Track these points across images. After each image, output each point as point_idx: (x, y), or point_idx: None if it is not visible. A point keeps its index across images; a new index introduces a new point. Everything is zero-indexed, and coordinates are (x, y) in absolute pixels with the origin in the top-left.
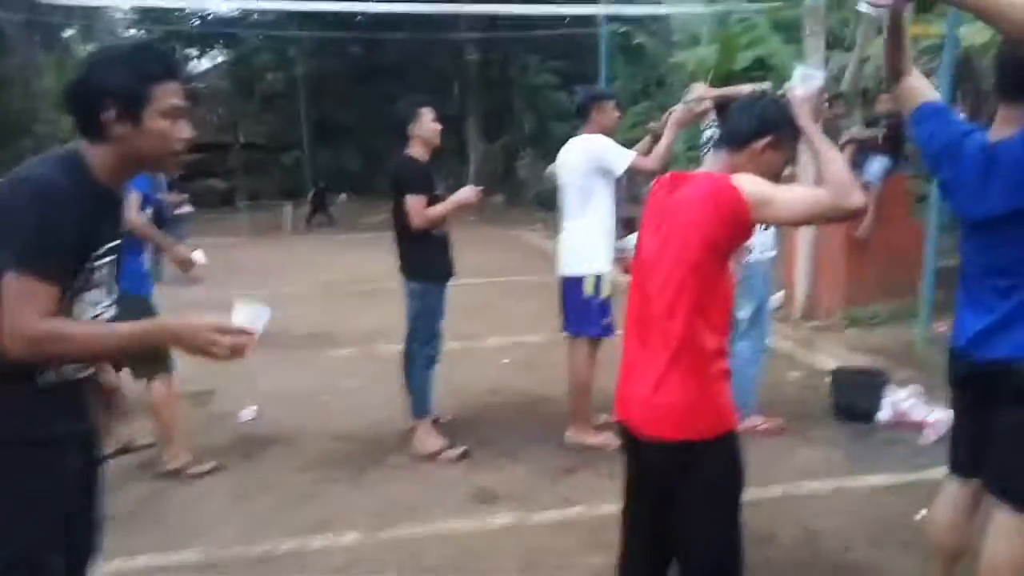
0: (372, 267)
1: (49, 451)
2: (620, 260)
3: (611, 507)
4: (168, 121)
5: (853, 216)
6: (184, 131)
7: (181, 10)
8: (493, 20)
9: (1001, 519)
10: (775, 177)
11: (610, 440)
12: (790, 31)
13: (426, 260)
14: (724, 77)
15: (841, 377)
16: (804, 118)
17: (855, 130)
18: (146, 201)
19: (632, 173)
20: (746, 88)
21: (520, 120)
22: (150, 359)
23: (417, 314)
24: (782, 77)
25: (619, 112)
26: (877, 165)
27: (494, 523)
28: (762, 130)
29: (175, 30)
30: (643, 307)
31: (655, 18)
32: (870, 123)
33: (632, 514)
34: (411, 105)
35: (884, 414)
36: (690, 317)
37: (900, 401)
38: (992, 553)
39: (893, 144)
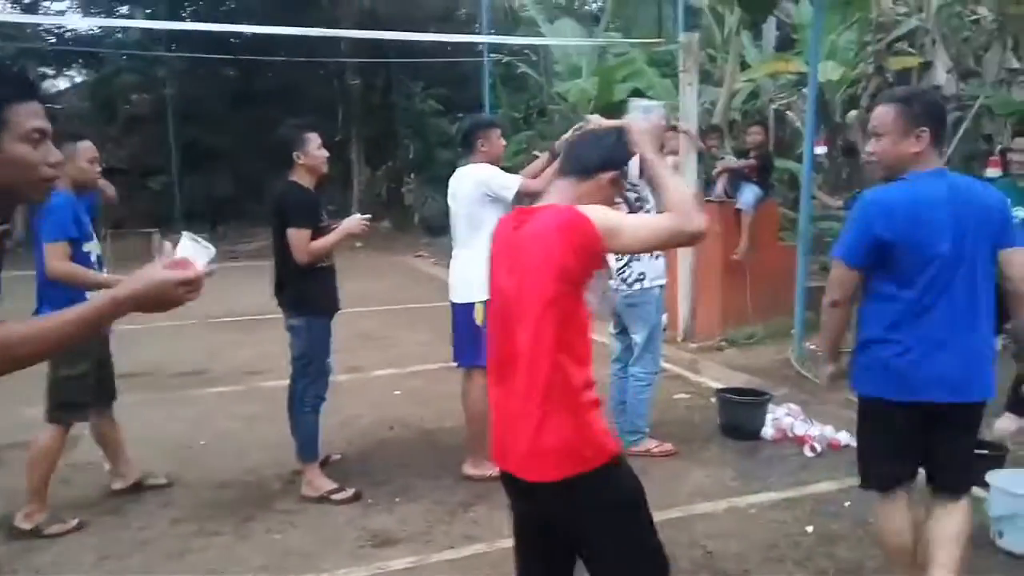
0: (249, 299)
1: None
2: None
3: (510, 542)
4: (29, 146)
5: (696, 239)
6: (52, 154)
7: (36, 26)
8: (376, 46)
9: (949, 504)
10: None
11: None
12: (664, 66)
13: (310, 293)
14: (604, 107)
15: (726, 397)
16: (647, 149)
17: (728, 160)
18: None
19: (522, 196)
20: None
21: (405, 146)
22: (64, 406)
23: (302, 352)
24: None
25: (503, 141)
26: (749, 193)
27: (392, 567)
28: (610, 164)
29: (27, 47)
30: (504, 349)
31: (536, 49)
32: (741, 154)
33: (525, 558)
34: (296, 129)
35: (767, 431)
36: (555, 354)
37: (781, 418)
38: (943, 528)
39: (762, 173)
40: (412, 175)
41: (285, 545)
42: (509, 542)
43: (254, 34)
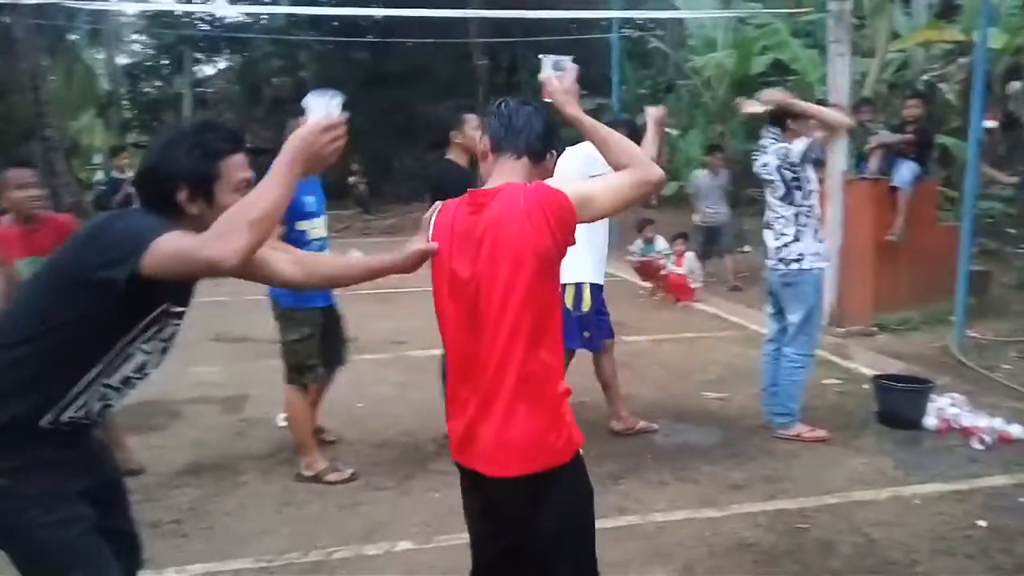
0: None
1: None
2: (636, 265)
3: (665, 516)
4: (238, 194)
5: (659, 187)
6: None
7: (190, 15)
8: (503, 25)
9: None
10: None
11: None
12: (809, 36)
13: None
14: (742, 81)
15: (885, 384)
16: (571, 107)
17: (882, 135)
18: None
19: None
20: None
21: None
22: (296, 368)
23: None
24: (804, 82)
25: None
26: (906, 170)
27: None
28: (554, 141)
29: (183, 35)
30: (470, 341)
31: (668, 22)
32: (895, 128)
33: (482, 550)
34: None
35: (930, 421)
36: (529, 342)
37: (946, 408)
38: None
39: (921, 149)
40: None
41: (446, 504)
42: (661, 516)
43: (385, 17)
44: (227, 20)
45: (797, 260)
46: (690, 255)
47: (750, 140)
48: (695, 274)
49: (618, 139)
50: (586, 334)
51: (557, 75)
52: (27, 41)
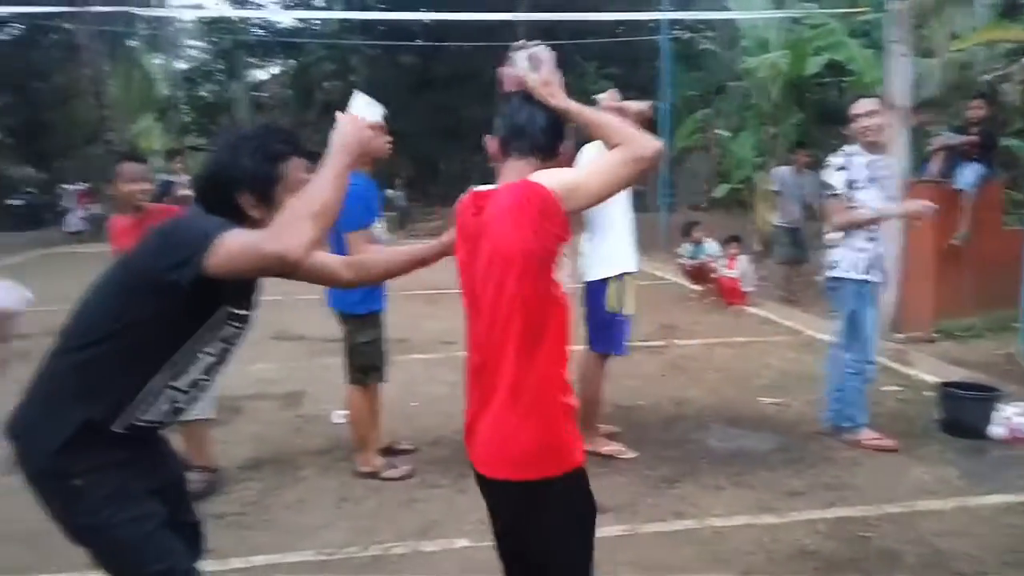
0: (433, 273)
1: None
2: (687, 268)
3: (723, 521)
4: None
5: (655, 160)
6: None
7: (245, 20)
8: (549, 28)
9: None
10: None
11: (622, 451)
12: (866, 36)
13: None
14: (795, 81)
15: (950, 392)
16: (555, 99)
17: (945, 136)
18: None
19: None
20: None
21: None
22: (363, 369)
23: None
24: (861, 83)
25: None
26: (970, 172)
27: (604, 533)
28: (562, 134)
29: (239, 40)
30: (477, 340)
31: (720, 23)
32: (958, 130)
33: (497, 546)
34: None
35: (997, 431)
36: (521, 347)
37: (1013, 417)
38: None
39: (985, 151)
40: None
41: None
42: (719, 521)
43: (434, 21)
44: (281, 26)
45: (833, 266)
46: (743, 258)
47: (802, 142)
48: (747, 277)
49: (608, 120)
50: (622, 339)
51: (531, 67)
52: (90, 47)
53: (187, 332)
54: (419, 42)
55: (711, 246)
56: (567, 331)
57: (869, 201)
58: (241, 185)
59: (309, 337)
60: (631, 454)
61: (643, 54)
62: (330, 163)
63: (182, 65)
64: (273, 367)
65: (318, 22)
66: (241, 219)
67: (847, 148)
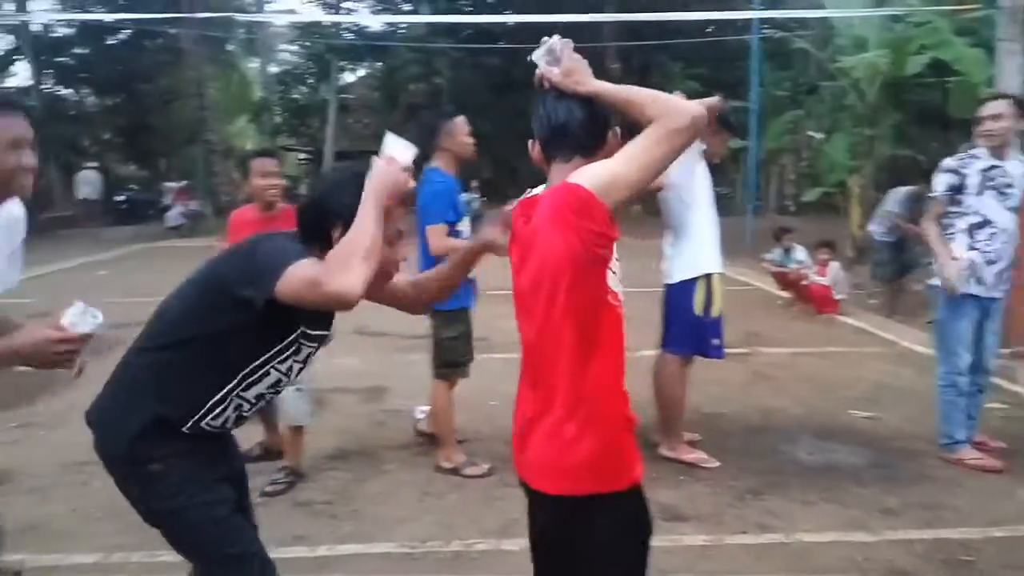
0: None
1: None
2: (774, 272)
3: (812, 537)
4: (388, 245)
5: (697, 123)
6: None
7: (336, 25)
8: (636, 28)
9: None
10: None
11: (705, 459)
12: (974, 34)
13: None
14: (895, 82)
15: None
16: (584, 85)
17: None
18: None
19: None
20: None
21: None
22: (448, 364)
23: None
24: (969, 84)
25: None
26: None
27: (686, 541)
28: (606, 123)
29: (330, 44)
30: (530, 351)
31: (814, 21)
32: None
33: (538, 570)
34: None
35: None
36: (575, 357)
37: None
38: None
39: None
40: None
41: None
42: (808, 536)
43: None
44: (369, 30)
45: (933, 275)
46: (835, 264)
47: (900, 145)
48: (839, 285)
49: (639, 94)
50: (716, 341)
51: (549, 61)
52: (193, 52)
53: (262, 348)
54: (502, 44)
55: (800, 254)
56: (622, 339)
57: (983, 208)
58: (338, 220)
59: (391, 333)
60: (714, 463)
61: (731, 53)
62: (365, 208)
63: (276, 68)
64: (356, 362)
65: (405, 26)
66: (326, 249)
67: (972, 150)
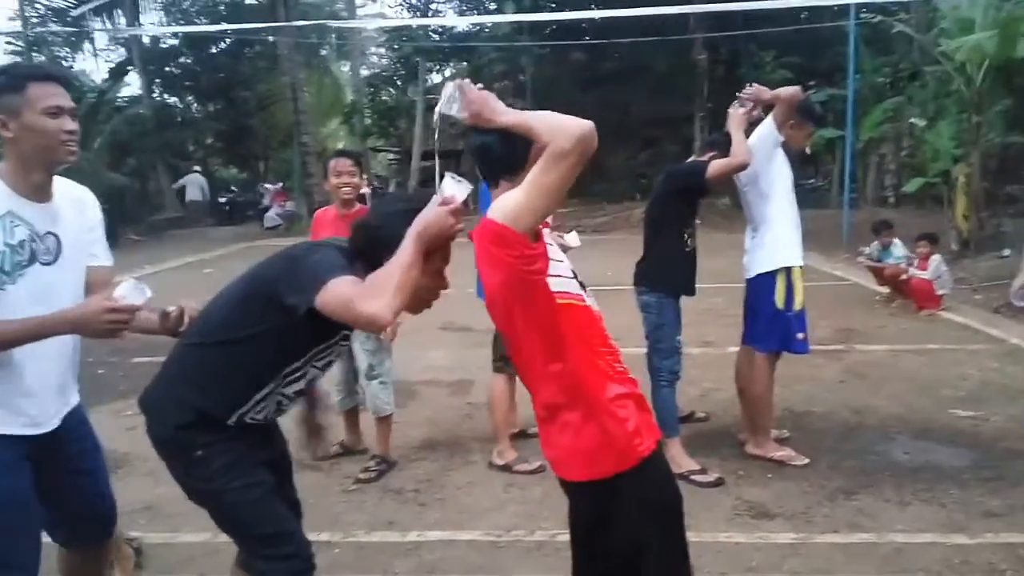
0: (594, 268)
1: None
2: (875, 270)
3: (906, 538)
4: (428, 276)
5: (585, 144)
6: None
7: (424, 28)
8: (724, 18)
9: None
10: None
11: (794, 456)
12: None
13: (669, 272)
14: (1004, 65)
15: None
16: (496, 117)
17: None
18: None
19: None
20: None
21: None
22: (505, 357)
23: (654, 328)
24: None
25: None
26: None
27: (774, 539)
28: (521, 147)
29: (418, 46)
30: (515, 356)
31: (915, 4)
32: None
33: (577, 557)
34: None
35: None
36: (547, 361)
37: None
38: None
39: None
40: None
41: None
42: (901, 537)
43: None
44: (456, 30)
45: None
46: (936, 258)
47: (1011, 131)
48: (942, 279)
49: (534, 120)
50: (800, 335)
51: (455, 107)
52: (288, 57)
53: (303, 349)
54: (587, 39)
55: (899, 249)
56: (591, 329)
57: None
58: (391, 245)
59: (475, 328)
60: (802, 460)
61: (826, 40)
62: (407, 244)
63: (366, 71)
64: (443, 355)
65: (490, 25)
66: (374, 268)
67: None
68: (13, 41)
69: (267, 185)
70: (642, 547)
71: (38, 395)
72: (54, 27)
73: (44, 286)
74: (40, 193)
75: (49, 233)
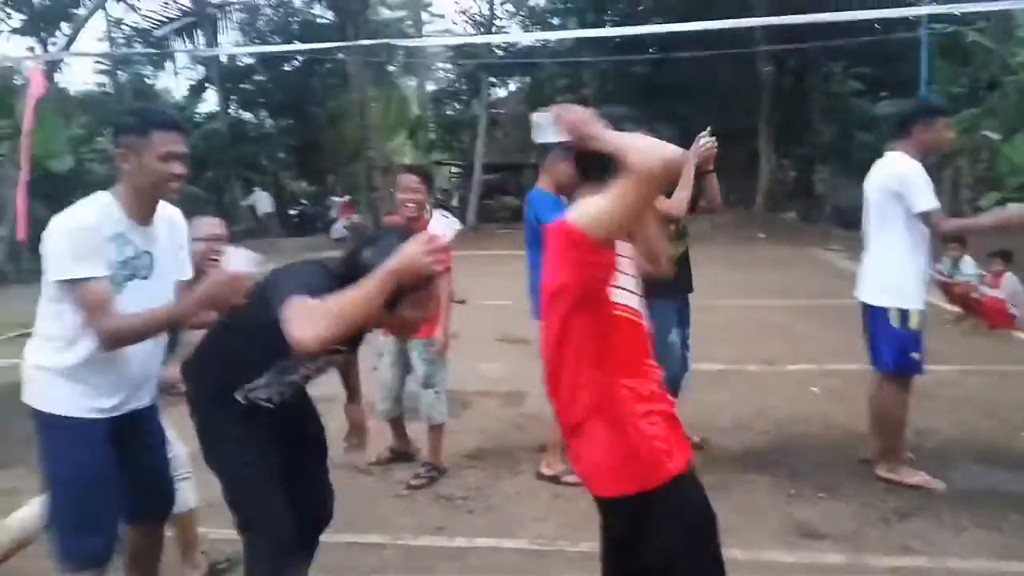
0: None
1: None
2: (944, 286)
3: (960, 563)
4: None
5: (669, 170)
6: None
7: (488, 44)
8: (791, 29)
9: None
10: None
11: (930, 481)
12: None
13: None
14: None
15: None
16: (597, 139)
17: None
18: None
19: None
20: None
21: (817, 132)
22: None
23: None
24: None
25: (948, 132)
26: None
27: (824, 560)
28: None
29: (481, 62)
30: (551, 360)
31: (994, 14)
32: None
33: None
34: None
35: None
36: (589, 362)
37: None
38: None
39: None
40: (824, 162)
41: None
42: (955, 562)
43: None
44: (519, 46)
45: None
46: (1010, 276)
47: None
48: (1016, 298)
49: (633, 143)
50: (914, 354)
51: (556, 131)
52: (357, 75)
53: (284, 351)
54: (651, 52)
55: (968, 267)
56: (639, 346)
57: None
58: (368, 275)
59: (531, 341)
60: (939, 485)
61: (897, 51)
62: (372, 281)
63: (431, 87)
64: (498, 367)
65: (553, 41)
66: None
67: None
68: (103, 61)
69: (335, 198)
70: (673, 566)
71: (125, 387)
72: (139, 48)
73: (142, 298)
74: (145, 218)
75: (146, 252)
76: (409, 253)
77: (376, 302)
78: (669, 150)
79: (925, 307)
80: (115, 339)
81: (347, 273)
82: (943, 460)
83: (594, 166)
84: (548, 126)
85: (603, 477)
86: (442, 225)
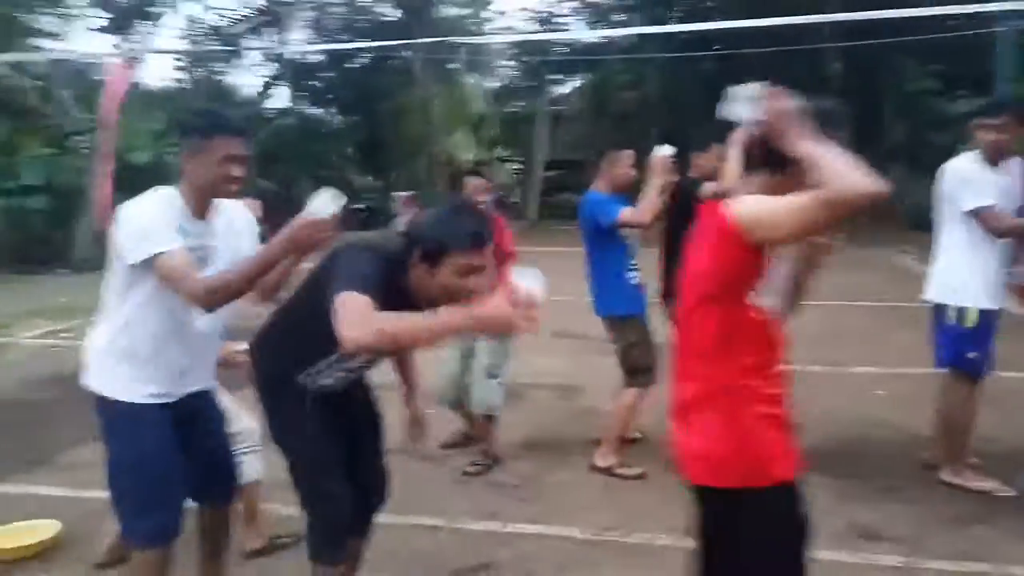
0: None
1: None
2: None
3: (1021, 571)
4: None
5: (855, 204)
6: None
7: (549, 41)
8: (861, 25)
9: None
10: None
11: (996, 486)
12: None
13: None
14: None
15: None
16: (795, 143)
17: None
18: None
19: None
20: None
21: (888, 131)
22: (630, 371)
23: None
24: None
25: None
26: None
27: (880, 561)
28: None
29: (544, 59)
30: (679, 340)
31: None
32: None
33: (695, 561)
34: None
35: None
36: (714, 353)
37: None
38: None
39: None
40: (895, 162)
41: None
42: (1017, 569)
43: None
44: (582, 42)
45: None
46: None
47: None
48: None
49: (830, 162)
50: (971, 353)
51: (754, 112)
52: (421, 72)
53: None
54: (716, 48)
55: None
56: (772, 351)
57: None
58: (423, 249)
59: (590, 336)
60: (1008, 492)
61: (974, 46)
62: (447, 319)
63: (494, 83)
64: (554, 361)
65: (617, 37)
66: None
67: None
68: (181, 58)
69: (398, 193)
70: (751, 569)
71: (187, 374)
72: (214, 46)
73: None
74: (204, 213)
75: (204, 246)
76: (499, 308)
77: (436, 339)
78: (869, 182)
79: (992, 308)
80: (212, 296)
81: (406, 249)
82: (1008, 467)
83: (774, 161)
84: (746, 102)
85: (704, 465)
86: (530, 279)
